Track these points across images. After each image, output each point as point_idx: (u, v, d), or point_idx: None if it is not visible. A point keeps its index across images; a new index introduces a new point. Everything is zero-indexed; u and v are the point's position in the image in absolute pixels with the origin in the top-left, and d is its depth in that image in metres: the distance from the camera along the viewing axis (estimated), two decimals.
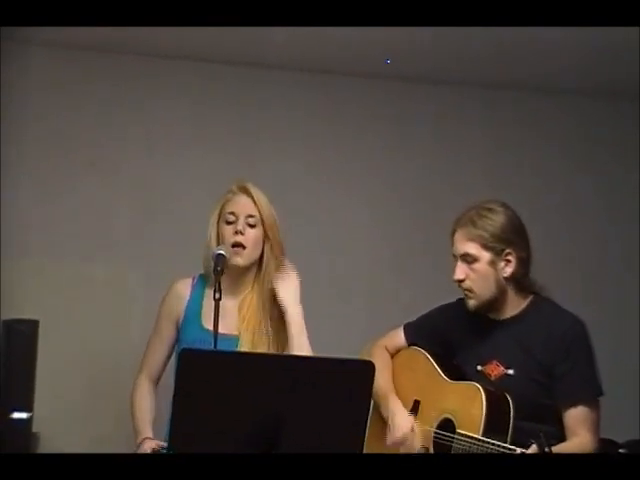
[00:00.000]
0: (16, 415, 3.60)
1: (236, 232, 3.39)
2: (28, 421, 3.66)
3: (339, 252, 5.01)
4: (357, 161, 5.08)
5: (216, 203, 3.49)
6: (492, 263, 3.30)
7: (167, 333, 3.49)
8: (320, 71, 4.95)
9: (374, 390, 2.79)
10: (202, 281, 3.51)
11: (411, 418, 3.39)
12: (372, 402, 3.02)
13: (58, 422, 4.31)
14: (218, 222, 3.45)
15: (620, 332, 5.11)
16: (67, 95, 4.73)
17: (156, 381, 3.51)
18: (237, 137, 4.94)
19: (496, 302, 3.32)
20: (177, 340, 3.49)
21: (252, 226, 3.42)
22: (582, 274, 5.22)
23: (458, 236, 3.34)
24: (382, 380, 3.40)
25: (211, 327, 3.22)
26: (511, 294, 3.34)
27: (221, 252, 3.33)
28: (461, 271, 3.31)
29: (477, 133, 5.19)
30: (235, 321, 3.37)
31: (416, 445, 3.35)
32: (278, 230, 3.47)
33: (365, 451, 2.76)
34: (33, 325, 3.73)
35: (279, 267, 3.43)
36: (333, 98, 5.04)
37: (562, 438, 3.19)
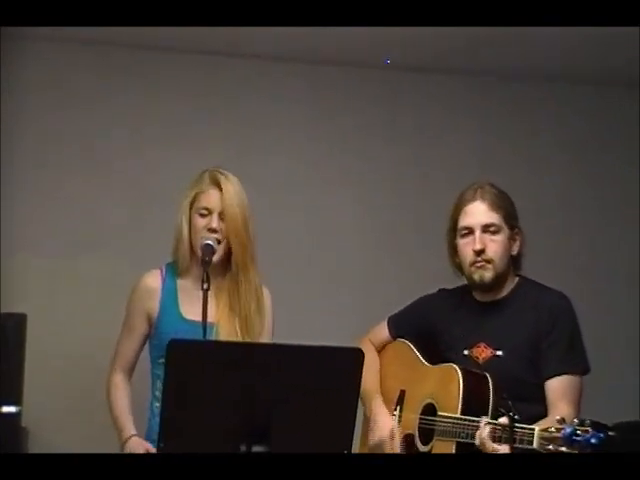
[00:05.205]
0: (5, 409, 3.58)
1: (210, 229, 3.38)
2: (17, 415, 3.65)
3: (331, 243, 5.01)
4: (350, 153, 5.08)
5: (189, 188, 3.46)
6: (510, 237, 3.33)
7: (140, 329, 3.49)
8: (314, 62, 4.94)
9: (360, 389, 2.78)
10: (171, 270, 3.48)
11: (392, 422, 3.38)
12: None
13: (47, 416, 4.32)
14: (190, 210, 3.43)
15: (613, 326, 5.12)
16: (56, 88, 4.72)
17: (130, 374, 3.53)
18: (230, 131, 4.92)
19: (501, 278, 3.33)
20: (152, 333, 3.47)
21: (223, 221, 3.40)
22: (578, 266, 5.21)
23: (481, 206, 3.31)
24: (368, 379, 3.30)
25: (191, 317, 3.36)
26: (510, 273, 3.36)
27: (209, 242, 3.33)
28: (482, 241, 3.29)
29: (472, 123, 5.18)
30: (211, 309, 3.33)
31: (395, 448, 3.33)
32: (244, 224, 3.41)
33: (356, 447, 2.76)
34: (21, 319, 3.72)
35: (246, 261, 3.41)
36: (328, 89, 5.04)
37: None
